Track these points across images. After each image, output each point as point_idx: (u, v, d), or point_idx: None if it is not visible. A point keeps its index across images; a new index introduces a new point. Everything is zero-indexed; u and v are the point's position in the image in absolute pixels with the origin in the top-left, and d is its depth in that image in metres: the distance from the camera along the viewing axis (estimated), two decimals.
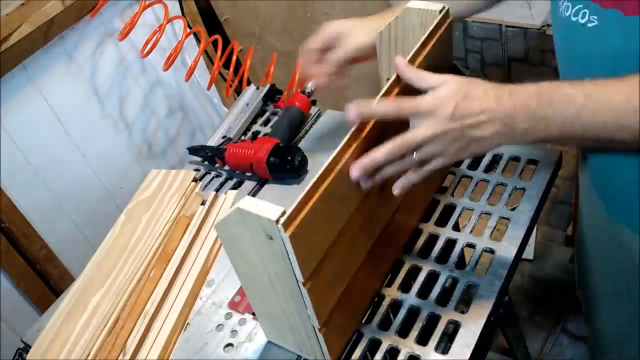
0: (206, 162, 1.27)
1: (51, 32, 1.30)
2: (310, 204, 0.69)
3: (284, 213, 0.65)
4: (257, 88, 1.38)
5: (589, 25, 0.72)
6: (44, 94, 1.34)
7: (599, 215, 0.93)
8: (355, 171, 0.72)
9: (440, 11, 0.85)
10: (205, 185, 1.24)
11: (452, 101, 0.69)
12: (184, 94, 1.68)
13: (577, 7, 0.74)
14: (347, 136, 0.73)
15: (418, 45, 0.81)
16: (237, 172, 1.22)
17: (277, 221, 0.65)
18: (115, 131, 1.52)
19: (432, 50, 0.84)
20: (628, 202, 0.84)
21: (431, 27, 0.84)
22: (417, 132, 0.70)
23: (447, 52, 0.91)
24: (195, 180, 1.21)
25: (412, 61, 0.80)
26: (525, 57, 2.21)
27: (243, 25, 1.67)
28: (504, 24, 2.17)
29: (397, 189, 0.76)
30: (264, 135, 1.28)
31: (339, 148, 0.72)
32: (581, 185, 1.04)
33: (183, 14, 1.53)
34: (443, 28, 0.86)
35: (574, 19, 0.74)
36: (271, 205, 0.66)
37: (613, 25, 0.70)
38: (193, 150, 1.27)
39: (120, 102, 1.51)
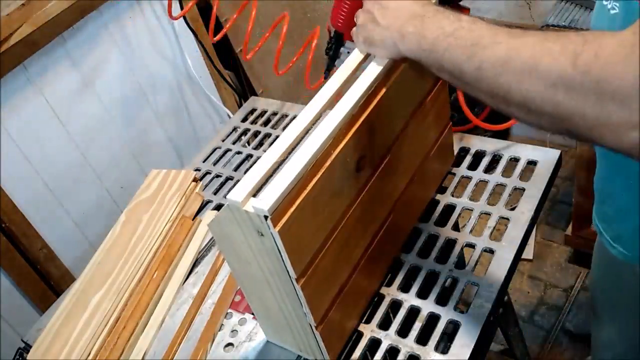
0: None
1: (52, 32, 1.30)
2: (300, 199, 0.68)
3: (273, 209, 0.65)
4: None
5: (611, 12, 0.74)
6: (45, 94, 1.34)
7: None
8: None
9: None
10: (205, 185, 1.24)
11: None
12: (184, 94, 1.68)
13: None
14: (336, 131, 0.72)
15: None
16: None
17: (266, 217, 0.65)
18: (115, 131, 1.52)
19: None
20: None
21: None
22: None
23: None
24: (195, 180, 1.21)
25: None
26: None
27: (243, 25, 1.67)
28: (504, 24, 2.16)
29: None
30: None
31: (327, 143, 0.71)
32: None
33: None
34: None
35: (604, 2, 0.76)
36: (259, 201, 0.66)
37: (632, 14, 0.70)
38: None
39: (120, 102, 1.51)
